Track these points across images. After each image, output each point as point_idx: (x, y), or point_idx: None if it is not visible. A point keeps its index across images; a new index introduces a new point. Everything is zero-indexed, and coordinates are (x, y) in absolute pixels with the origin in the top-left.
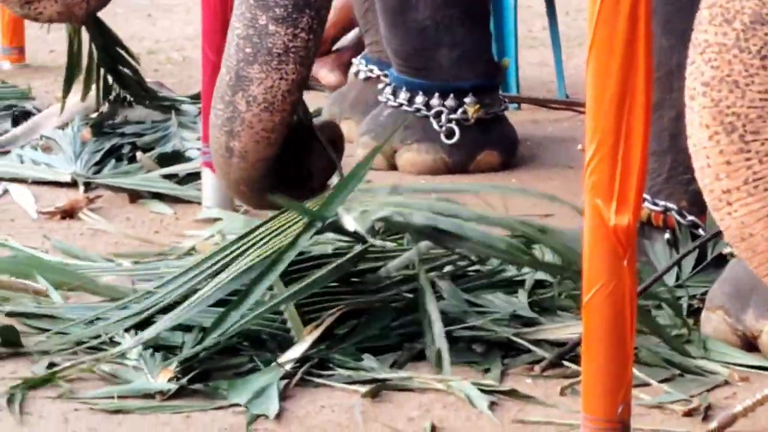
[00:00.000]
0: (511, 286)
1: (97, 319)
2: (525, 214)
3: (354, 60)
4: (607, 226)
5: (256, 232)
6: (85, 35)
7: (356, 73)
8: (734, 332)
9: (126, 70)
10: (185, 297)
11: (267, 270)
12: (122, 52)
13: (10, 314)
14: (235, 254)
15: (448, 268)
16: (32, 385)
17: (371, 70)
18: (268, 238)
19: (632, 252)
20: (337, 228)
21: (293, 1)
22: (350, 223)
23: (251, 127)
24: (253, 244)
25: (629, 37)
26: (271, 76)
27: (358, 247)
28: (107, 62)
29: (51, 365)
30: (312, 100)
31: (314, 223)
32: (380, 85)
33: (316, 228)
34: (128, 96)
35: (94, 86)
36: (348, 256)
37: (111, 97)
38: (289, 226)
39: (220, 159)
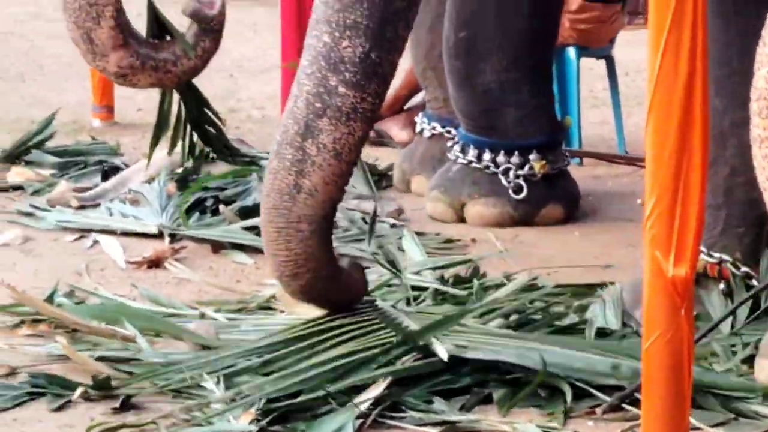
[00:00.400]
0: (574, 332)
1: (181, 363)
2: (587, 264)
3: (416, 118)
4: (666, 277)
5: (342, 322)
6: (175, 95)
7: (421, 132)
8: None
9: (211, 129)
10: (268, 348)
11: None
12: (208, 112)
13: (100, 359)
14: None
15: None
16: (123, 427)
17: (434, 128)
18: (359, 329)
19: (689, 302)
20: (428, 352)
21: (363, 69)
22: (442, 352)
23: (322, 169)
24: (337, 331)
25: (686, 98)
26: (339, 129)
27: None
28: (194, 121)
29: (137, 407)
30: (386, 155)
31: (408, 342)
32: (448, 143)
33: (408, 347)
34: (211, 153)
35: (179, 143)
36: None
37: (195, 154)
38: (374, 329)
39: (281, 197)
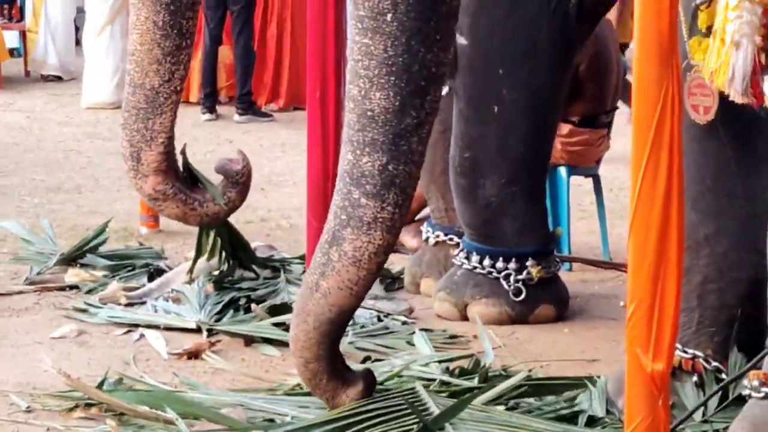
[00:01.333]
0: (566, 420)
1: None
2: (576, 358)
3: (422, 228)
4: (645, 371)
5: (374, 406)
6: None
7: (426, 239)
8: None
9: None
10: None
11: None
12: (239, 238)
13: None
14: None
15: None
16: None
17: (438, 236)
18: (385, 414)
19: (666, 393)
20: None
21: (381, 180)
22: None
23: (339, 275)
24: (367, 415)
25: (664, 213)
26: (360, 238)
27: None
28: (228, 249)
29: None
30: (399, 261)
31: (428, 429)
32: (451, 249)
33: None
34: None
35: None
36: None
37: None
38: (395, 417)
39: (305, 291)
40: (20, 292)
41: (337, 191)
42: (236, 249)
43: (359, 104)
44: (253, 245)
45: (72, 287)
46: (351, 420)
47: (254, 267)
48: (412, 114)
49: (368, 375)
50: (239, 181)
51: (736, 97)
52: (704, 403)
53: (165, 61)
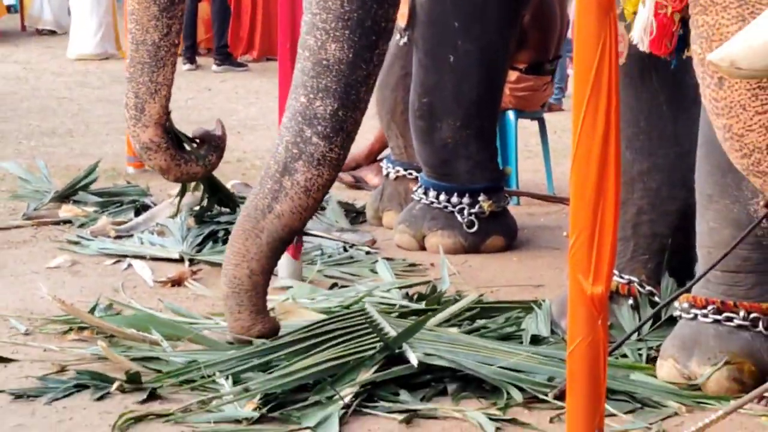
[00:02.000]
0: (513, 339)
1: (198, 363)
2: (523, 284)
3: (382, 164)
4: (586, 294)
5: (335, 326)
6: None
7: (387, 175)
8: (682, 375)
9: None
10: (268, 350)
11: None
12: (221, 186)
13: (132, 359)
14: (312, 334)
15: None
16: (150, 414)
17: (398, 171)
18: (345, 334)
19: (605, 314)
20: (402, 358)
21: (332, 124)
22: (413, 359)
23: (292, 200)
24: (330, 335)
25: (603, 151)
26: (311, 171)
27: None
28: (207, 187)
29: (162, 399)
30: (363, 197)
31: (389, 347)
32: (410, 183)
33: (388, 353)
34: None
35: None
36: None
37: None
38: (361, 334)
39: (255, 213)
40: (18, 227)
41: (287, 128)
42: (214, 187)
43: (314, 53)
44: (230, 183)
45: (65, 222)
46: (316, 340)
47: (231, 203)
48: (362, 66)
49: (275, 323)
50: (218, 146)
51: (639, 45)
52: (641, 327)
53: (162, 16)
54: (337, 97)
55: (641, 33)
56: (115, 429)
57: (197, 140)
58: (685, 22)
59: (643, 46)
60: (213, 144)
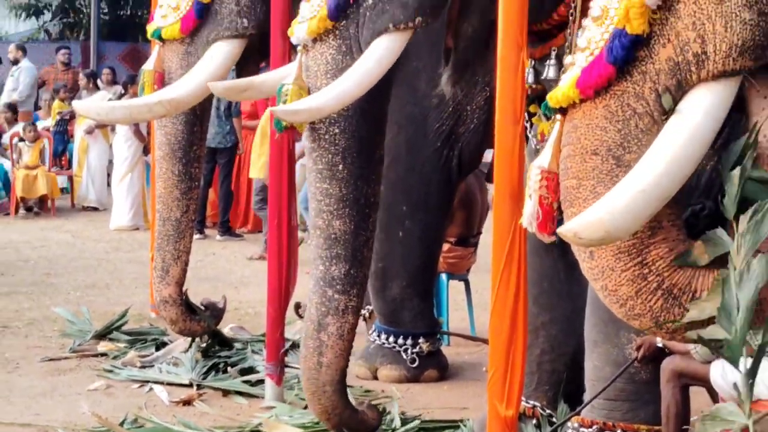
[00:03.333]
0: None
1: None
2: (453, 407)
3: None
4: (500, 416)
5: None
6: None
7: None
8: None
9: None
10: None
11: None
12: (219, 332)
13: None
14: None
15: None
16: None
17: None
18: None
19: (515, 431)
20: None
21: (347, 281)
22: None
23: (332, 349)
24: None
25: (514, 306)
26: (340, 320)
27: None
28: (212, 335)
29: None
30: None
31: None
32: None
33: None
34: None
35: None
36: None
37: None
38: None
39: (311, 372)
40: (66, 358)
41: (314, 293)
42: (216, 333)
43: (324, 231)
44: (228, 326)
45: (103, 354)
46: None
47: (228, 343)
48: (362, 233)
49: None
50: (218, 315)
51: (529, 228)
52: None
53: (183, 198)
54: (347, 260)
55: (530, 219)
56: None
57: (204, 306)
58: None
59: (532, 229)
60: (215, 312)
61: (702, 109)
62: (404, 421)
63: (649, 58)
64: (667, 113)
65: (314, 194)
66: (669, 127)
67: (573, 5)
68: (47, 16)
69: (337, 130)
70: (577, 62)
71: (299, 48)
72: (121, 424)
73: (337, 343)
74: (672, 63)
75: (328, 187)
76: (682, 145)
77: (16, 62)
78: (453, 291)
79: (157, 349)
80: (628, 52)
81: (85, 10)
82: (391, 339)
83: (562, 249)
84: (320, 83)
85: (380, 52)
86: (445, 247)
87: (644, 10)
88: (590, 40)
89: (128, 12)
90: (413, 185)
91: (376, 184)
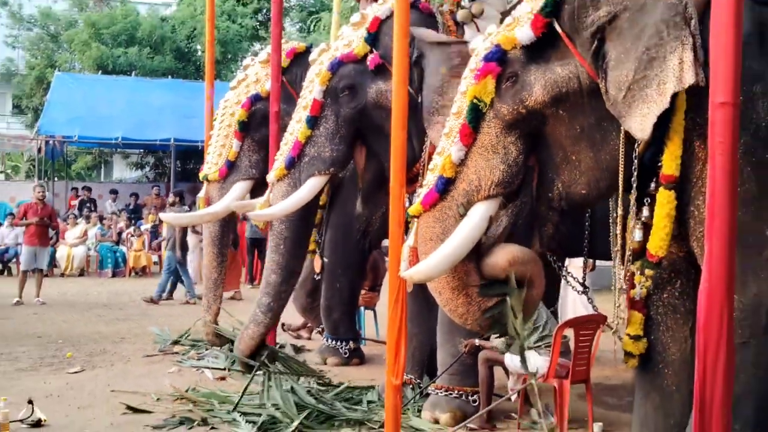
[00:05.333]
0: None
1: None
2: (366, 378)
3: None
4: (392, 383)
5: None
6: None
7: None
8: (432, 419)
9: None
10: None
11: None
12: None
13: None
14: None
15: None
16: None
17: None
18: None
19: (400, 392)
20: None
21: (267, 308)
22: None
23: (250, 333)
24: None
25: (399, 325)
26: (257, 326)
27: None
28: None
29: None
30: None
31: None
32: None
33: None
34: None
35: None
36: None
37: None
38: None
39: (241, 338)
40: (156, 355)
41: (253, 311)
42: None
43: (266, 279)
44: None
45: (176, 353)
46: None
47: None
48: (284, 286)
49: None
50: (225, 340)
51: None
52: (415, 397)
53: (219, 267)
54: (272, 297)
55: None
56: None
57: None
58: None
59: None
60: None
61: (478, 215)
62: (338, 385)
63: (454, 188)
64: (462, 216)
65: (268, 261)
66: (462, 224)
67: (422, 164)
68: (146, 169)
69: (283, 227)
70: (422, 192)
71: (270, 184)
72: (187, 390)
73: (252, 329)
74: (465, 191)
75: (274, 256)
76: (466, 233)
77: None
78: (367, 316)
79: (206, 350)
80: (444, 187)
81: (168, 165)
82: (334, 342)
83: (423, 291)
84: (278, 201)
85: (310, 186)
86: (363, 291)
87: (452, 165)
88: (428, 180)
89: (191, 165)
90: (345, 258)
91: (301, 261)
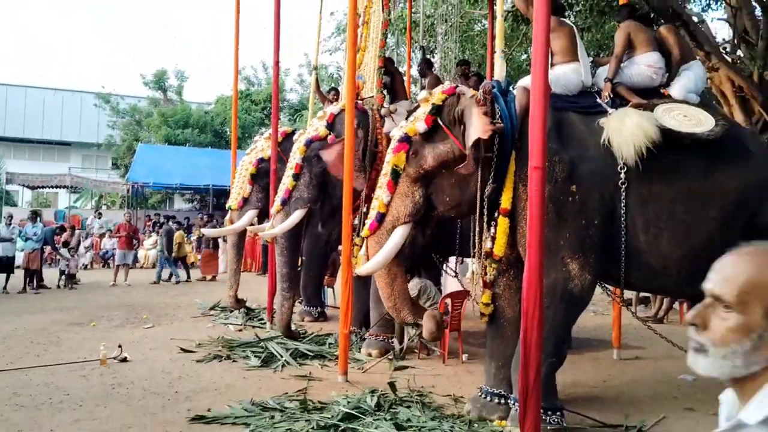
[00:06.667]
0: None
1: None
2: (327, 331)
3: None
4: (343, 332)
5: None
6: None
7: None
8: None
9: None
10: None
11: None
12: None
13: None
14: None
15: None
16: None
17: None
18: None
19: (347, 341)
20: None
21: (288, 288)
22: None
23: (285, 306)
24: None
25: (347, 297)
26: (285, 299)
27: None
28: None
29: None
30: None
31: None
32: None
33: None
34: None
35: None
36: None
37: None
38: None
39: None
40: (198, 317)
41: (278, 292)
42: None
43: (280, 272)
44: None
45: (212, 315)
46: None
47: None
48: (293, 273)
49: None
50: (242, 305)
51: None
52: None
53: (238, 260)
54: (288, 280)
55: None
56: None
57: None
58: None
59: (359, 271)
60: (243, 304)
61: (399, 234)
62: (311, 334)
63: (386, 219)
64: (390, 235)
65: (278, 262)
66: (389, 239)
67: (361, 200)
68: (194, 202)
69: (283, 240)
70: (368, 222)
71: (272, 215)
72: (217, 338)
73: (285, 304)
74: (391, 220)
75: (281, 258)
76: (392, 245)
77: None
78: (329, 292)
79: (230, 312)
80: (380, 218)
81: (208, 200)
82: (308, 308)
83: (361, 278)
84: (278, 225)
85: (296, 216)
86: (326, 276)
87: (384, 205)
88: (371, 215)
89: (222, 200)
90: (315, 257)
91: (297, 260)
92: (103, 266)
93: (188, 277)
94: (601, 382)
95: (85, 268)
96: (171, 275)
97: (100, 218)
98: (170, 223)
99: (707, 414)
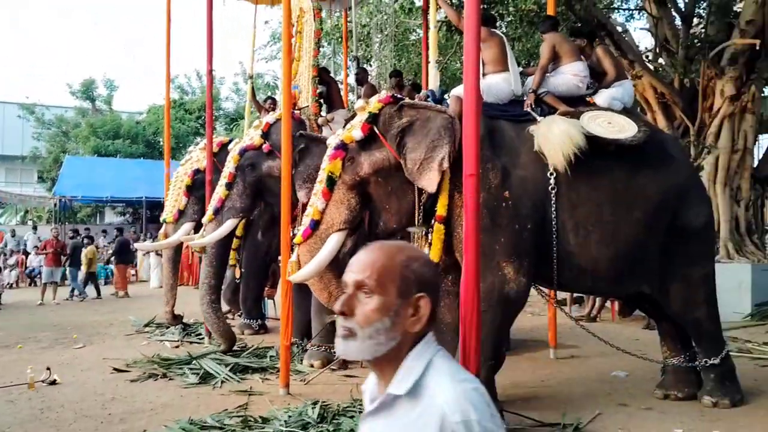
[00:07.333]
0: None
1: None
2: (271, 343)
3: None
4: (284, 344)
5: None
6: None
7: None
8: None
9: None
10: None
11: None
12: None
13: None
14: None
15: None
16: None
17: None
18: None
19: (288, 355)
20: None
21: (212, 298)
22: None
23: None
24: None
25: (287, 307)
26: (206, 298)
27: None
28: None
29: None
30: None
31: None
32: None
33: None
34: None
35: None
36: None
37: None
38: None
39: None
40: (132, 334)
41: (201, 298)
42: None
43: (204, 281)
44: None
45: (146, 332)
46: None
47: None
48: (216, 284)
49: None
50: (178, 321)
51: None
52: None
53: (173, 277)
54: (211, 292)
55: (294, 277)
56: None
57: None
58: None
59: (293, 279)
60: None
61: (333, 241)
62: (252, 347)
63: (320, 226)
64: (324, 242)
65: (205, 272)
66: (324, 247)
67: (299, 210)
68: (127, 215)
69: (213, 250)
70: (301, 229)
71: (204, 224)
72: (152, 356)
73: (217, 315)
74: (325, 228)
75: (209, 269)
76: (326, 252)
77: None
78: (269, 304)
79: (165, 329)
80: (314, 225)
81: (140, 213)
82: (248, 320)
83: (302, 288)
84: (209, 234)
85: (228, 225)
86: (266, 288)
87: (318, 212)
88: (304, 222)
89: (156, 213)
90: (255, 268)
91: (224, 270)
92: (30, 284)
93: (98, 294)
94: (539, 381)
95: (10, 287)
96: (73, 291)
97: (35, 231)
98: (79, 236)
99: (639, 408)
